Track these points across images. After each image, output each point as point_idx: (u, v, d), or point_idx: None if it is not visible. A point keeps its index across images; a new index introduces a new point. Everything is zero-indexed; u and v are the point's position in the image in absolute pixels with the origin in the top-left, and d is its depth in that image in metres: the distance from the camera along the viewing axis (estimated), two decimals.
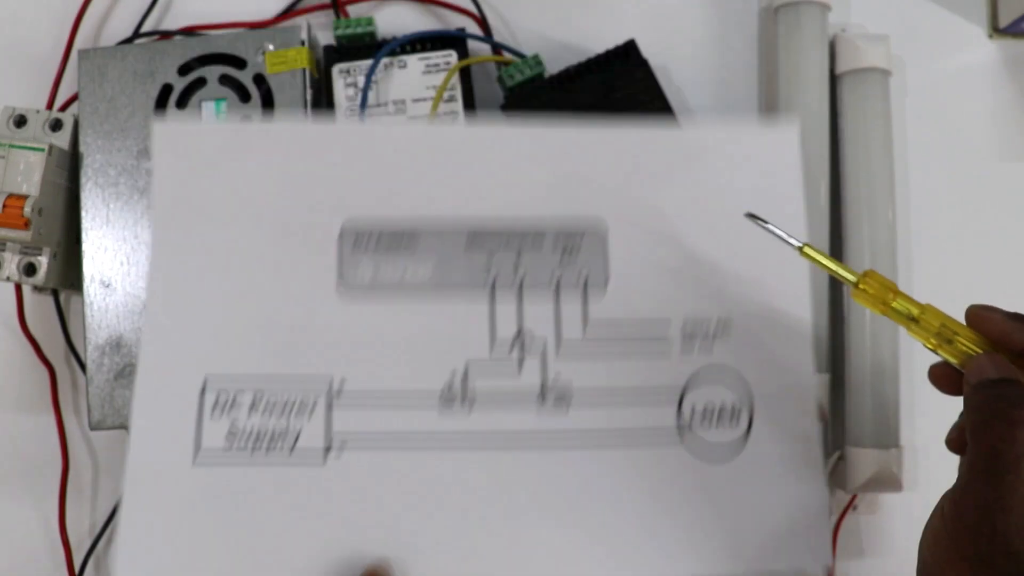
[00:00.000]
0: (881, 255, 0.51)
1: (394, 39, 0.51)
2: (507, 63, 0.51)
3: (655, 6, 0.56)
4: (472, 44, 0.52)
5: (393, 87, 0.51)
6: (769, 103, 0.54)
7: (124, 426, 0.49)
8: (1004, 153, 0.55)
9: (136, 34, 0.55)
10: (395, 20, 0.56)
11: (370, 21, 0.51)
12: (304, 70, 0.50)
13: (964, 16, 0.56)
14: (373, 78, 0.50)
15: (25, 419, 0.55)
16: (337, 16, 0.54)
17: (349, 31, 0.51)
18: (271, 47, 0.50)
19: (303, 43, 0.50)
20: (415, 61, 0.51)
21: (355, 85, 0.51)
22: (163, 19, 0.56)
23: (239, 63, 0.51)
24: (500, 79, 0.51)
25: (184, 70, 0.51)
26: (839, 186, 0.52)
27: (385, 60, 0.51)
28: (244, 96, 0.50)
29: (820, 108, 0.51)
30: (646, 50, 0.50)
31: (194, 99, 0.50)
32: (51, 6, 0.56)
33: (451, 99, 0.50)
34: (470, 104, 0.50)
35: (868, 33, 0.54)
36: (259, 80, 0.50)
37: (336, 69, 0.51)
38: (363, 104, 0.50)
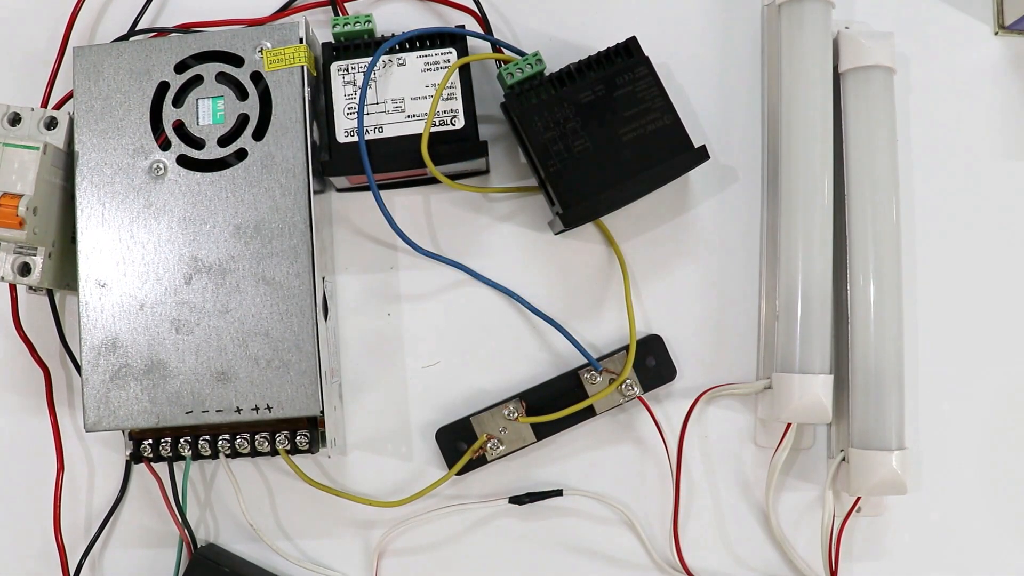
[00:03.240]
0: (885, 254, 0.50)
1: (393, 36, 0.50)
2: (507, 61, 0.50)
3: (658, 3, 0.55)
4: (472, 42, 0.52)
5: (392, 85, 0.50)
6: (772, 100, 0.54)
7: (120, 428, 0.48)
8: (1009, 151, 0.55)
9: (132, 31, 0.55)
10: (393, 17, 0.55)
11: (369, 18, 0.51)
12: (302, 67, 0.49)
13: (969, 13, 0.56)
14: (371, 76, 0.50)
15: (20, 420, 0.55)
16: (335, 13, 0.54)
17: (348, 28, 0.51)
18: (268, 44, 0.50)
19: (301, 40, 0.50)
20: (414, 59, 0.50)
21: (354, 83, 0.50)
22: (159, 16, 0.56)
23: (236, 60, 0.50)
24: (500, 77, 0.50)
25: (180, 68, 0.50)
26: (843, 184, 0.51)
27: (384, 58, 0.50)
28: (241, 94, 0.50)
29: (823, 106, 0.51)
30: (648, 47, 0.50)
31: (190, 97, 0.50)
32: (46, 2, 0.56)
33: (451, 97, 0.50)
34: (470, 102, 0.50)
35: (872, 30, 0.54)
36: (256, 78, 0.50)
37: (335, 67, 0.50)
38: (361, 103, 0.49)
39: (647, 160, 0.48)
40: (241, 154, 0.49)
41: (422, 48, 0.50)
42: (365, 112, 0.50)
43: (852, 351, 0.50)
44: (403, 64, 0.50)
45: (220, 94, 0.50)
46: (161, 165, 0.49)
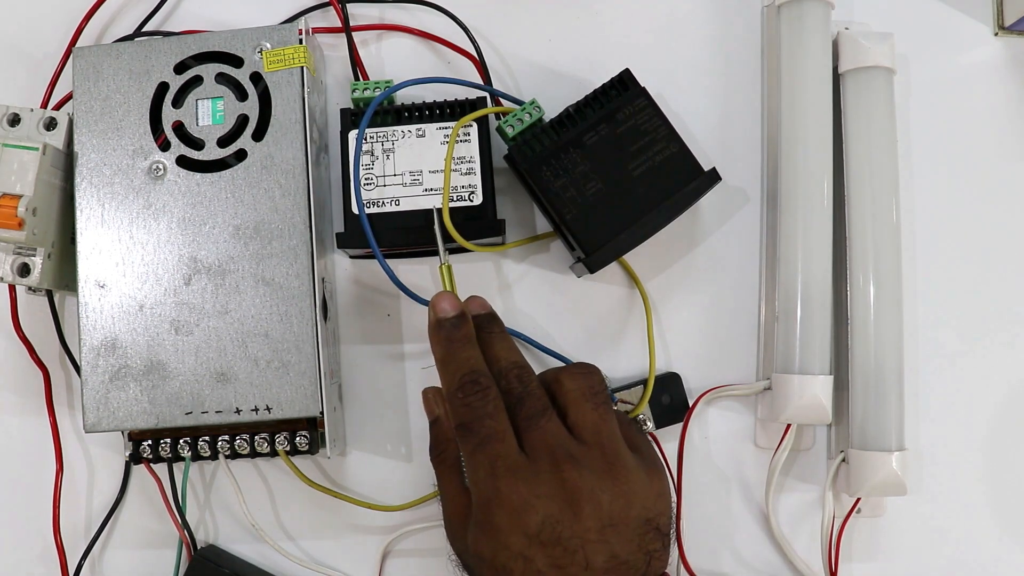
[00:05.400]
0: (885, 255, 0.50)
1: (402, 106, 0.50)
2: (506, 112, 0.50)
3: (658, 5, 0.55)
4: (474, 91, 0.51)
5: (410, 157, 0.49)
6: (771, 101, 0.54)
7: (119, 429, 0.48)
8: (1009, 152, 0.55)
9: (137, 34, 0.55)
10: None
11: (389, 83, 0.50)
12: (302, 68, 0.49)
13: (969, 14, 0.56)
14: (387, 146, 0.49)
15: (19, 421, 0.55)
16: (356, 77, 0.53)
17: (367, 94, 0.50)
18: (268, 45, 0.50)
19: (301, 41, 0.50)
20: (434, 131, 0.49)
21: (371, 152, 0.50)
22: (165, 23, 0.56)
23: (236, 61, 0.50)
24: (500, 130, 0.50)
25: (180, 68, 0.50)
26: (843, 185, 0.51)
27: (403, 128, 0.49)
28: (241, 94, 0.50)
29: (823, 107, 0.51)
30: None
31: (190, 97, 0.50)
32: (59, 8, 0.56)
33: (469, 172, 0.49)
34: (489, 178, 0.49)
35: (872, 31, 0.54)
36: (256, 78, 0.50)
37: (351, 135, 0.49)
38: (356, 177, 0.48)
39: (661, 192, 0.48)
40: (241, 155, 0.49)
41: (442, 118, 0.50)
42: (383, 184, 0.49)
43: (852, 351, 0.50)
44: (422, 135, 0.49)
45: (220, 95, 0.50)
46: (160, 166, 0.49)
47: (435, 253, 0.53)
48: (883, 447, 0.49)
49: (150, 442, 0.50)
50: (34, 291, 0.51)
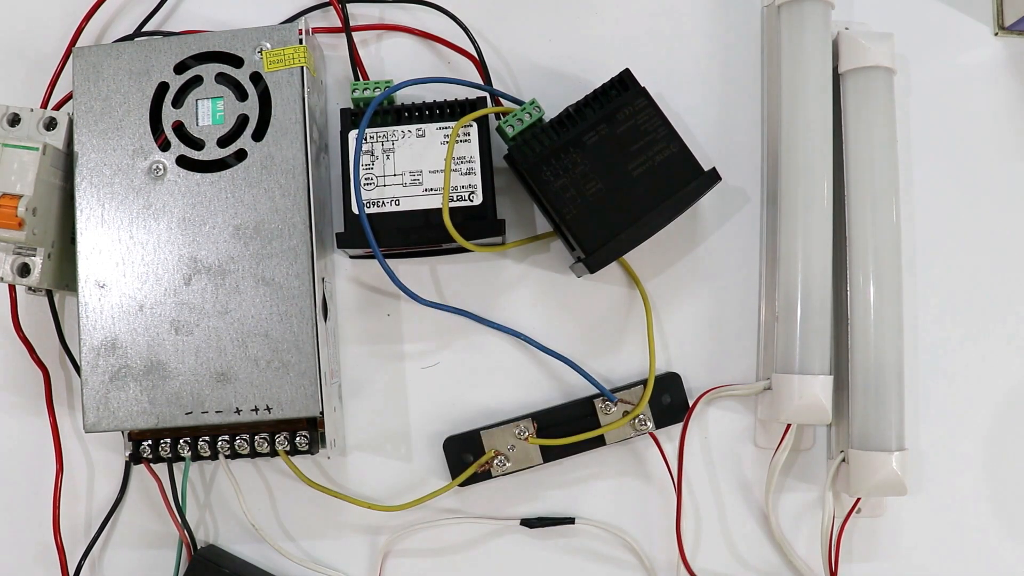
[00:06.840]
0: (885, 254, 0.50)
1: (402, 106, 0.50)
2: (506, 112, 0.50)
3: (658, 5, 0.55)
4: (473, 91, 0.51)
5: (410, 157, 0.49)
6: (772, 101, 0.54)
7: (119, 429, 0.48)
8: (1009, 151, 0.55)
9: (137, 34, 0.55)
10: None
11: (388, 84, 0.50)
12: (302, 68, 0.49)
13: (969, 14, 0.56)
14: (387, 146, 0.49)
15: (19, 421, 0.55)
16: (356, 77, 0.53)
17: (367, 94, 0.50)
18: (268, 45, 0.50)
19: (300, 41, 0.50)
20: (434, 131, 0.49)
21: (371, 153, 0.50)
22: (165, 22, 0.56)
23: (236, 61, 0.50)
24: (500, 130, 0.50)
25: (180, 68, 0.50)
26: (843, 185, 0.51)
27: (403, 128, 0.49)
28: (241, 94, 0.50)
29: (823, 107, 0.51)
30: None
31: (190, 97, 0.50)
32: (59, 8, 0.56)
33: (469, 172, 0.49)
34: (488, 177, 0.49)
35: (872, 31, 0.54)
36: (256, 78, 0.50)
37: (351, 135, 0.49)
38: (356, 178, 0.48)
39: (661, 192, 0.48)
40: (241, 155, 0.49)
41: (442, 118, 0.50)
42: (383, 183, 0.49)
43: (852, 351, 0.50)
44: (422, 135, 0.49)
45: (220, 95, 0.50)
46: (161, 166, 0.49)
47: (435, 253, 0.53)
48: (883, 447, 0.49)
49: (150, 442, 0.50)
50: (34, 291, 0.51)
